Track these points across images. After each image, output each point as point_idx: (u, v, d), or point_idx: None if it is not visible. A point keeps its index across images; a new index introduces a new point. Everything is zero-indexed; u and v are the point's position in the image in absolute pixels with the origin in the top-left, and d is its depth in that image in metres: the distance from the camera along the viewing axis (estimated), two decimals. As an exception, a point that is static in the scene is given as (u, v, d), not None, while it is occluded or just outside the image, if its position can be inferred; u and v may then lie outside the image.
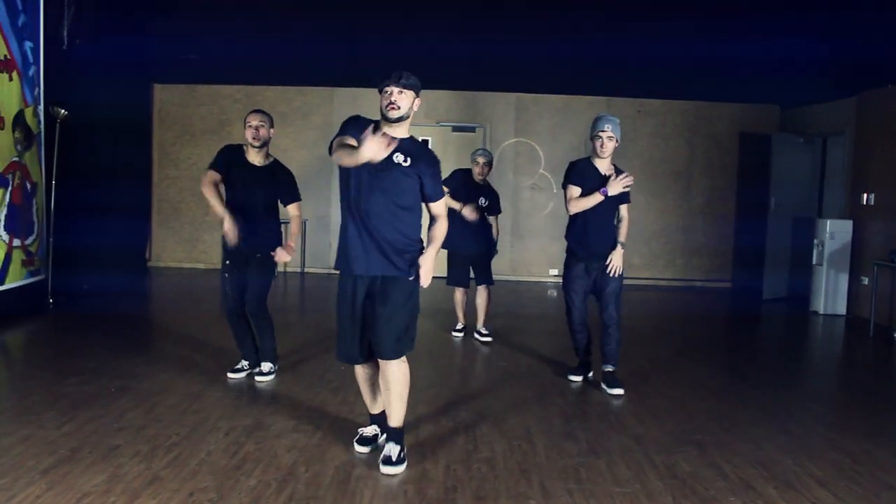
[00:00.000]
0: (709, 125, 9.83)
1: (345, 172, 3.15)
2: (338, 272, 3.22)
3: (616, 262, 4.43)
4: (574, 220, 4.53)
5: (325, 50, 8.44)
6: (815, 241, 7.99)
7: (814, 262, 8.00)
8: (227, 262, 4.38)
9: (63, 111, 6.47)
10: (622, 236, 4.51)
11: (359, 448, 3.31)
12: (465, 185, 5.57)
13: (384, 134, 2.83)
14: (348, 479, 2.98)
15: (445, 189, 4.29)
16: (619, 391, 4.39)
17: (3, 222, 5.79)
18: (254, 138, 4.24)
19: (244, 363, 4.56)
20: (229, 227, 4.14)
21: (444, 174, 3.79)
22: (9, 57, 5.79)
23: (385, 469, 3.07)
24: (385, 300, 3.09)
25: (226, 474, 2.97)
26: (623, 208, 4.55)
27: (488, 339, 5.79)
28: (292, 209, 4.41)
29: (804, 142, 8.91)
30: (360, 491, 2.88)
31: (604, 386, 4.47)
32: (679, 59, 8.00)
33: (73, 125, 6.72)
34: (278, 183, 4.37)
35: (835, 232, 7.82)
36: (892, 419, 4.14)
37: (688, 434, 3.70)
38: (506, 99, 9.81)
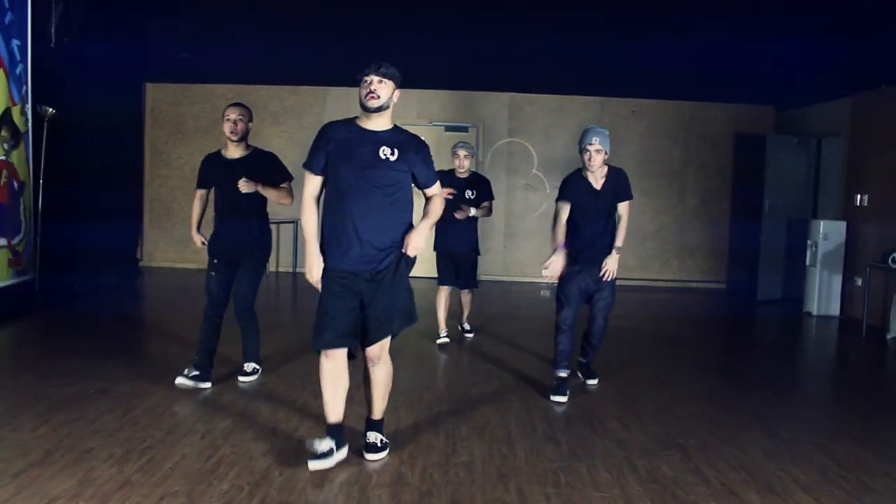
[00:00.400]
0: (704, 126, 9.78)
1: (332, 173, 3.12)
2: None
3: (610, 267, 4.33)
4: (571, 226, 4.44)
5: (319, 49, 8.41)
6: (809, 243, 7.94)
7: (807, 263, 7.95)
8: (214, 260, 4.32)
9: (51, 110, 6.43)
10: (619, 239, 4.38)
11: (316, 465, 3.01)
12: (451, 186, 5.52)
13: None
14: (322, 483, 2.93)
15: None
16: (594, 381, 4.68)
17: (-12, 221, 5.75)
18: (231, 132, 4.18)
19: (193, 371, 4.21)
20: (195, 238, 4.39)
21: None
22: (-5, 55, 5.75)
23: (371, 456, 3.18)
24: (378, 286, 3.10)
25: (198, 478, 2.92)
26: (622, 206, 4.40)
27: (471, 334, 6.02)
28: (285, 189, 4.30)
29: (798, 143, 8.87)
30: (334, 495, 2.83)
31: (579, 374, 4.73)
32: (674, 59, 7.97)
33: (63, 124, 6.69)
34: (261, 170, 4.23)
35: (828, 233, 7.78)
36: (882, 422, 4.09)
37: (672, 438, 3.65)
38: (500, 98, 9.77)
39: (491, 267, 9.75)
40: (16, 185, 6.17)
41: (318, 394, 4.14)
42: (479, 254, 5.84)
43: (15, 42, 6.05)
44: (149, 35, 8.46)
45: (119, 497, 2.72)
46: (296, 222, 9.60)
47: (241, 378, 4.40)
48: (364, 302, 3.12)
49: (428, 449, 3.37)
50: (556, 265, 4.35)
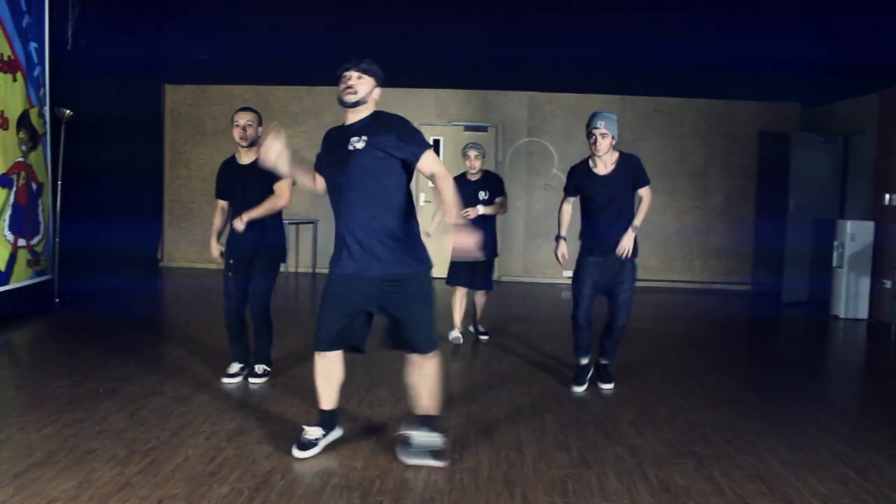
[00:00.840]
0: (727, 124, 9.59)
1: (327, 178, 3.09)
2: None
3: (625, 243, 4.26)
4: (584, 214, 4.45)
5: (337, 49, 8.38)
6: (836, 243, 7.73)
7: (834, 264, 7.74)
8: (231, 261, 4.33)
9: (68, 111, 6.48)
10: (637, 219, 4.31)
11: (297, 453, 3.15)
12: (463, 189, 5.42)
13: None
14: (324, 489, 2.88)
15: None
16: (610, 386, 4.55)
17: (7, 222, 5.80)
18: (241, 138, 4.17)
19: (237, 366, 4.44)
20: (213, 248, 4.45)
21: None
22: (13, 58, 5.81)
23: (434, 463, 3.13)
24: (399, 297, 3.02)
25: (199, 481, 2.89)
26: (643, 191, 4.35)
27: (485, 336, 5.89)
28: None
29: (825, 140, 8.63)
30: (334, 501, 2.78)
31: (596, 380, 4.61)
32: (696, 57, 7.81)
33: (82, 125, 6.74)
34: (271, 173, 4.18)
35: (856, 233, 7.56)
36: (906, 431, 3.93)
37: (686, 445, 3.54)
38: (518, 98, 9.68)
39: (511, 268, 9.67)
40: (34, 186, 6.23)
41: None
42: (496, 255, 5.77)
43: (32, 45, 6.11)
44: (166, 37, 8.52)
45: (118, 499, 2.69)
46: (314, 223, 9.60)
47: (251, 379, 4.38)
48: (380, 305, 3.07)
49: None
50: (561, 250, 4.54)
